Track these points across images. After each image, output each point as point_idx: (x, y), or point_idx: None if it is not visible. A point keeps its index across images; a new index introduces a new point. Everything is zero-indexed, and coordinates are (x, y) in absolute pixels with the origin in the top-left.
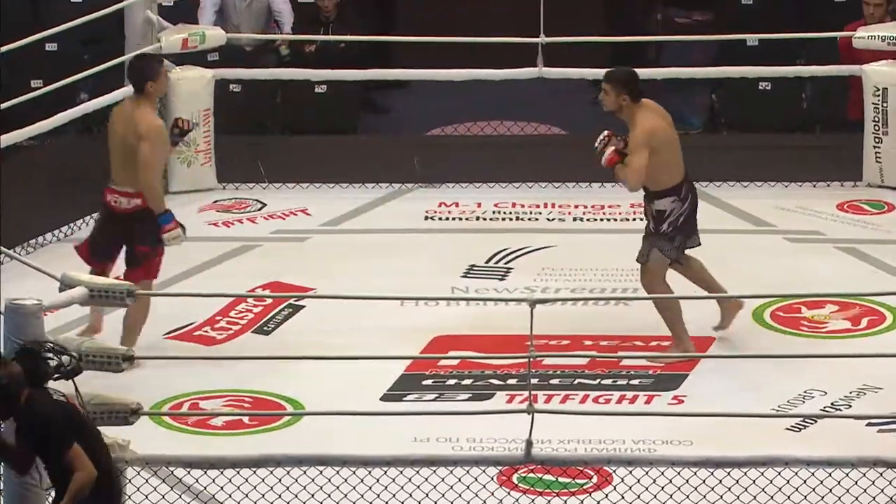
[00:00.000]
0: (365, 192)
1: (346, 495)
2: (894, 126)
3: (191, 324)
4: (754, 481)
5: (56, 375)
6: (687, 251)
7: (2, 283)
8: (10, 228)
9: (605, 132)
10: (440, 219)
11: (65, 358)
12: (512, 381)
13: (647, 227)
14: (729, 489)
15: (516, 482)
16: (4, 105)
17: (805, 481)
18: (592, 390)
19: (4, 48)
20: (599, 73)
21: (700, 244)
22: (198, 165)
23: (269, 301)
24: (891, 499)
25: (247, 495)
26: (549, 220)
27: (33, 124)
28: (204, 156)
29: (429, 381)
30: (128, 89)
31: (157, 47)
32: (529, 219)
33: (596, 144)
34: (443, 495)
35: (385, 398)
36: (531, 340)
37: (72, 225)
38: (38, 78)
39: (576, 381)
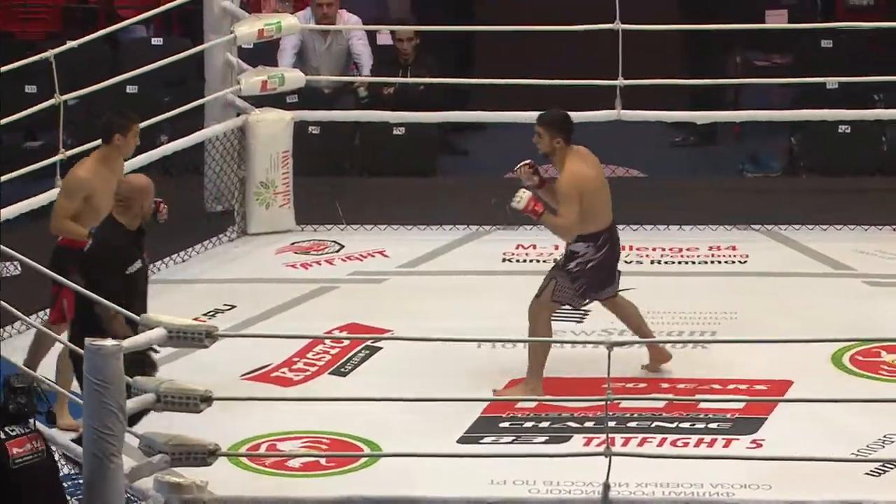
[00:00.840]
0: (442, 233)
1: None
2: None
3: (268, 365)
4: None
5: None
6: (622, 294)
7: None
8: None
9: (527, 162)
10: (518, 261)
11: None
12: (589, 424)
13: (557, 262)
14: None
15: None
16: (84, 147)
17: None
18: (670, 433)
19: (85, 90)
20: (679, 115)
21: (615, 294)
22: (276, 207)
23: (346, 343)
24: None
25: None
26: (626, 262)
27: None
28: (282, 197)
29: (506, 424)
30: (208, 132)
31: (236, 89)
32: None
33: (517, 169)
34: None
35: (462, 440)
36: (608, 383)
37: (151, 267)
38: None
39: (653, 424)
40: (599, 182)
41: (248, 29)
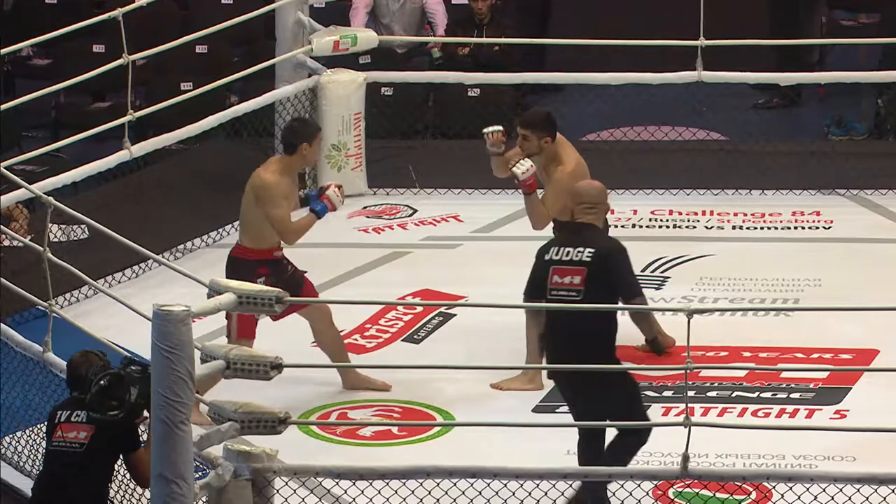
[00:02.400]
0: (518, 198)
1: None
2: None
3: (340, 332)
4: None
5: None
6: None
7: (150, 290)
8: (157, 233)
9: (500, 128)
10: None
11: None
12: (668, 394)
13: None
14: None
15: (672, 497)
16: (153, 108)
17: None
18: (751, 403)
19: (154, 50)
20: (762, 77)
21: None
22: (348, 170)
23: (419, 309)
24: None
25: None
26: (707, 227)
27: (182, 128)
28: (354, 160)
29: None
30: (279, 93)
31: (308, 49)
32: (687, 227)
33: (488, 132)
34: None
35: (537, 410)
36: (688, 351)
37: (220, 230)
38: (188, 80)
39: (734, 394)
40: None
41: None
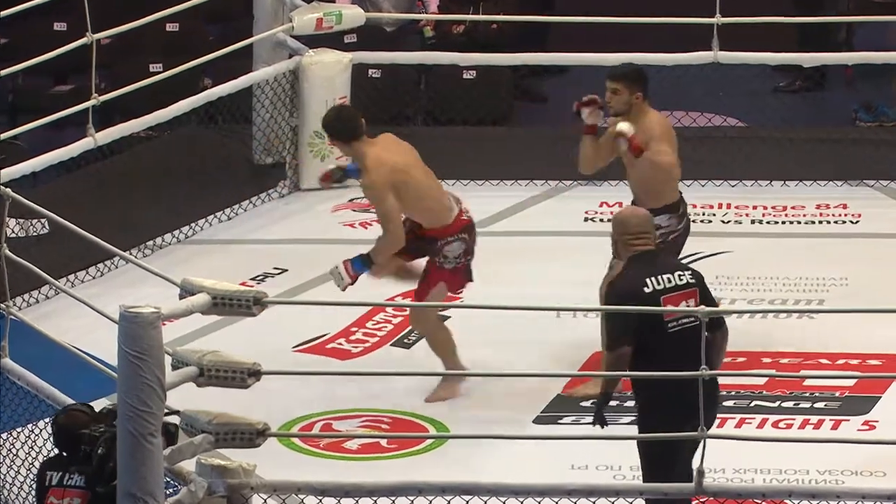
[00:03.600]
0: (518, 189)
1: None
2: None
3: (323, 335)
4: None
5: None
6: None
7: (117, 290)
8: (125, 228)
9: (594, 97)
10: (602, 220)
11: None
12: None
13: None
14: None
15: None
16: (119, 91)
17: None
18: (772, 413)
19: (121, 28)
20: (783, 57)
21: None
22: (332, 159)
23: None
24: None
25: None
26: (724, 222)
27: (151, 113)
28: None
29: (587, 402)
30: (257, 75)
31: (289, 28)
32: (702, 221)
33: (585, 111)
34: None
35: (539, 420)
36: (702, 357)
37: (192, 225)
38: (157, 62)
39: (753, 404)
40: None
41: None
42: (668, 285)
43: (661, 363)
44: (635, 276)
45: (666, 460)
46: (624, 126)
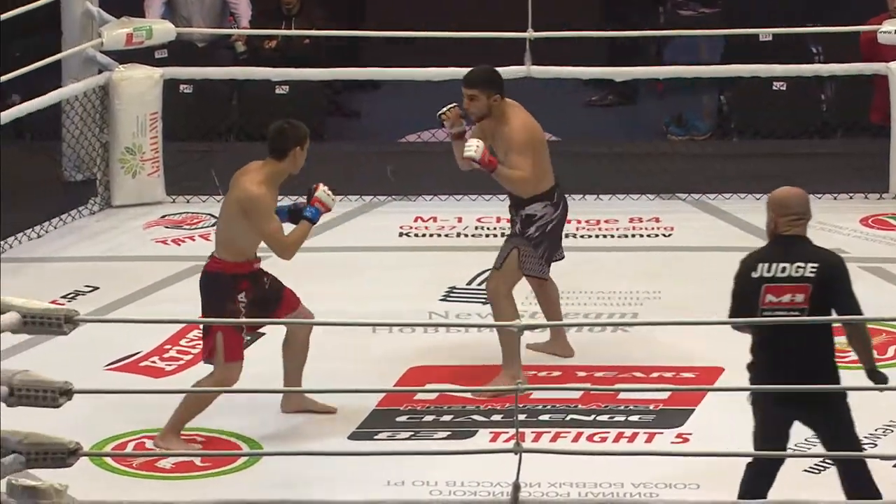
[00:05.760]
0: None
1: None
2: None
3: (136, 354)
4: None
5: None
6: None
7: None
8: None
9: (454, 105)
10: (416, 235)
11: None
12: (497, 418)
13: (513, 231)
14: None
15: None
16: None
17: None
18: (587, 427)
19: None
20: (595, 71)
21: (563, 257)
22: (144, 176)
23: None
24: None
25: None
26: None
27: None
28: (151, 165)
29: (403, 418)
30: (66, 91)
31: (98, 43)
32: None
33: (444, 111)
34: None
35: (354, 436)
36: (518, 371)
37: (2, 243)
38: None
39: (568, 417)
40: (543, 134)
41: None
42: (779, 274)
43: (762, 347)
44: (756, 258)
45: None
46: (470, 151)
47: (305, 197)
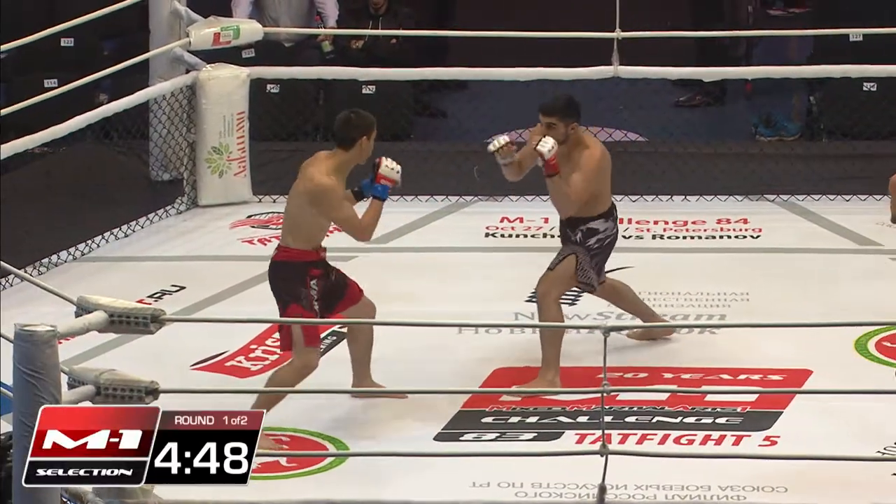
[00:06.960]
0: (418, 205)
1: None
2: None
3: (222, 353)
4: None
5: None
6: (612, 277)
7: (12, 308)
8: (20, 246)
9: (508, 141)
10: (503, 235)
11: None
12: (583, 419)
13: (571, 240)
14: None
15: None
16: (13, 108)
17: None
18: (673, 429)
19: (15, 43)
20: (683, 72)
21: (604, 282)
22: (230, 175)
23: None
24: None
25: None
26: (625, 237)
27: (46, 129)
28: (238, 164)
29: (489, 419)
30: (153, 91)
31: (185, 42)
32: None
33: (495, 149)
34: None
35: (440, 437)
36: (604, 373)
37: (89, 243)
38: (53, 77)
39: (654, 419)
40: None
41: None
42: None
43: None
44: None
45: None
46: (545, 147)
47: (371, 173)
